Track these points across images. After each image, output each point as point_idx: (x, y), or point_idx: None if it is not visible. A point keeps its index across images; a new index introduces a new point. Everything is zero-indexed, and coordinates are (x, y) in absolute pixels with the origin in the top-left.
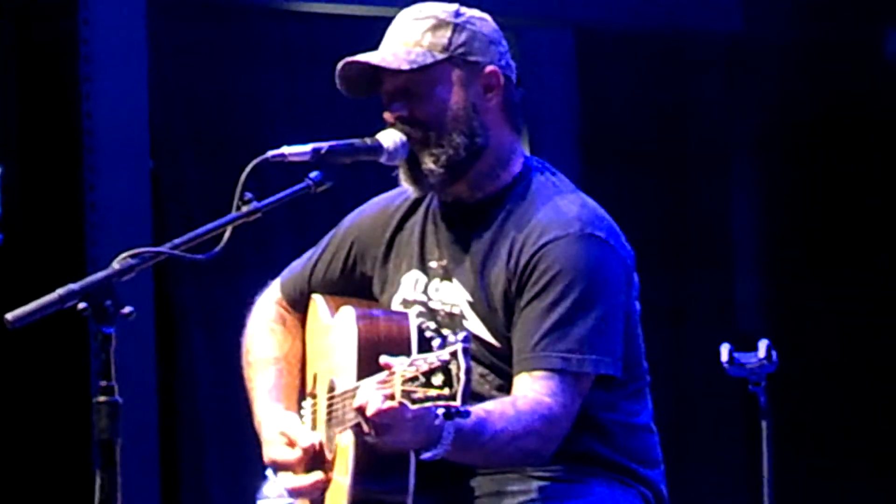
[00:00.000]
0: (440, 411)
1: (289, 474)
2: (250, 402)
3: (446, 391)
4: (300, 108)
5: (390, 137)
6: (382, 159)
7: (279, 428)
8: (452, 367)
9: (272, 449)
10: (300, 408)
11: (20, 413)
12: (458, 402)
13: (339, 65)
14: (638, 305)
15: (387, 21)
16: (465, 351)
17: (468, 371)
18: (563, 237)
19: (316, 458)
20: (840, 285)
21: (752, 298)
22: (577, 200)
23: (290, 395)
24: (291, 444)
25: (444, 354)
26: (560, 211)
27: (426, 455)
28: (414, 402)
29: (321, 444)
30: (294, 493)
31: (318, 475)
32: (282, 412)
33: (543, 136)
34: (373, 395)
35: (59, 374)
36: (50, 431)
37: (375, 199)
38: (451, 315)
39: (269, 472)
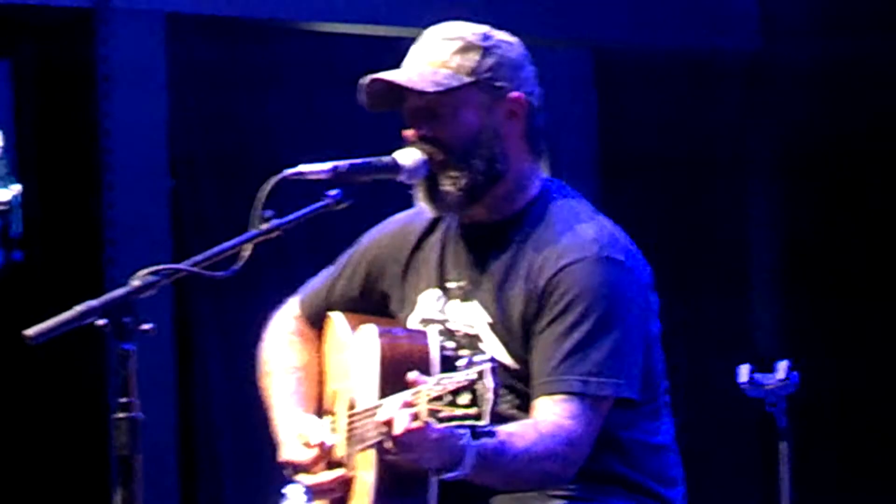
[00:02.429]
0: (464, 431)
1: (307, 475)
2: (267, 410)
3: (473, 411)
4: (319, 127)
5: (409, 156)
6: (401, 178)
7: (296, 429)
8: (479, 386)
9: (288, 449)
10: None
11: (40, 429)
12: (484, 422)
13: (365, 80)
14: (657, 325)
15: (406, 41)
16: (492, 371)
17: (495, 391)
18: (582, 260)
19: (335, 465)
20: (859, 306)
21: (771, 319)
22: (596, 223)
23: (309, 403)
24: (307, 444)
25: (472, 374)
26: (578, 233)
27: (447, 476)
28: (440, 420)
29: (342, 459)
30: (314, 490)
31: (341, 471)
32: (300, 415)
33: (561, 156)
34: (399, 414)
35: (79, 391)
36: (69, 448)
37: (394, 217)
38: (469, 336)
39: (287, 489)
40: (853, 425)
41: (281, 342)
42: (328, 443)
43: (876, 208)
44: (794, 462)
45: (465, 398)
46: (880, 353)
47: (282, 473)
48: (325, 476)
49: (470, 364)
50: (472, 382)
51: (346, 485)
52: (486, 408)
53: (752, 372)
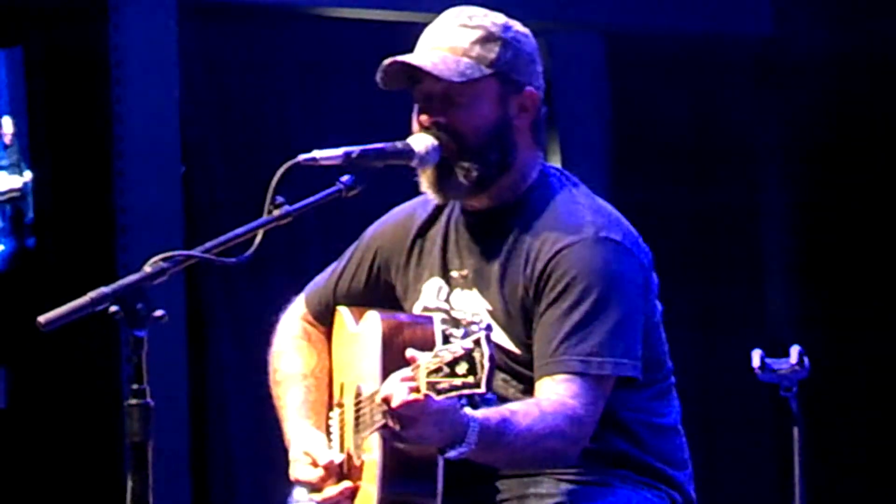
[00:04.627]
0: (463, 401)
1: (315, 493)
2: (280, 421)
3: (471, 379)
4: (331, 113)
5: (422, 142)
6: (413, 163)
7: (303, 447)
8: (476, 354)
9: (296, 468)
10: (328, 419)
11: (52, 416)
12: (482, 390)
13: (387, 62)
14: (659, 305)
15: (418, 27)
16: (487, 339)
17: (492, 358)
18: (578, 242)
19: (342, 470)
20: (872, 291)
21: (784, 304)
22: (592, 206)
23: (319, 410)
24: (314, 463)
25: (468, 343)
26: (574, 216)
27: (451, 453)
28: (439, 392)
29: (347, 457)
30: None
31: (345, 483)
32: (309, 430)
33: (574, 141)
34: (398, 388)
35: (91, 377)
36: (81, 434)
37: (396, 209)
38: (473, 324)
39: (294, 494)
40: (866, 410)
41: (288, 348)
42: (336, 461)
43: (888, 195)
44: (807, 447)
45: (462, 368)
46: (892, 338)
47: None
48: (331, 490)
49: (466, 334)
50: (469, 351)
51: (353, 493)
52: (484, 375)
53: (764, 357)
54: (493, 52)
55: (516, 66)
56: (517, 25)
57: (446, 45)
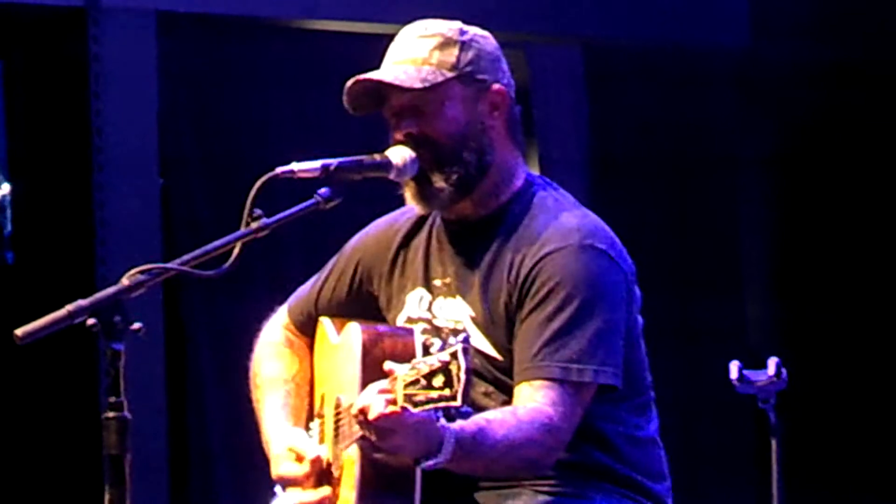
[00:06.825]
0: (439, 413)
1: (297, 490)
2: (258, 423)
3: (447, 392)
4: (309, 125)
5: (399, 154)
6: (391, 175)
7: (287, 444)
8: (453, 367)
9: (280, 464)
10: (308, 429)
11: (30, 428)
12: (458, 403)
13: (349, 83)
14: (640, 319)
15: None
16: (464, 351)
17: (468, 371)
18: (563, 248)
19: (324, 474)
20: (850, 303)
21: (762, 316)
22: (578, 213)
23: (299, 415)
24: (300, 458)
25: (444, 356)
26: (560, 223)
27: (427, 463)
28: (416, 404)
29: (328, 461)
30: None
31: (325, 490)
32: (289, 428)
33: (552, 152)
34: (374, 400)
35: (69, 390)
36: (59, 447)
37: (379, 220)
38: (455, 332)
39: (277, 488)
40: (844, 421)
41: (270, 354)
42: (323, 456)
43: (865, 206)
44: (785, 458)
45: (439, 380)
46: (871, 348)
47: (270, 474)
48: (312, 495)
49: (444, 347)
50: (446, 364)
51: (332, 500)
52: (460, 388)
53: (742, 369)
54: (452, 55)
55: (479, 66)
56: (474, 29)
57: (407, 58)
